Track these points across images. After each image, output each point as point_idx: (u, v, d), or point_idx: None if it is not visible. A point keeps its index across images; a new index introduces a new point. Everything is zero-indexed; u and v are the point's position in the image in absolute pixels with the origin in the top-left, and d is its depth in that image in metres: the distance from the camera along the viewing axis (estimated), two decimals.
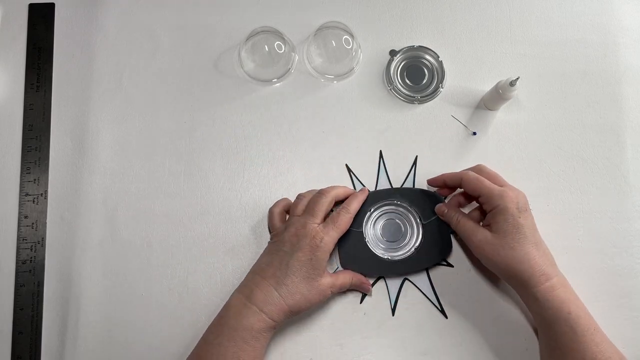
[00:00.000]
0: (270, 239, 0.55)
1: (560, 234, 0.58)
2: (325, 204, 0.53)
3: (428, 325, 0.56)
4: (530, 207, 0.58)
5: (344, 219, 0.53)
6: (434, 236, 0.56)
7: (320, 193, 0.54)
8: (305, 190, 0.57)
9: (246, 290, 0.50)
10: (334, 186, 0.56)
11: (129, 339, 0.56)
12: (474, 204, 0.57)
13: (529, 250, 0.48)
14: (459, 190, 0.57)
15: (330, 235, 0.51)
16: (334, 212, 0.53)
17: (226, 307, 0.51)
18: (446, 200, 0.57)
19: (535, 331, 0.55)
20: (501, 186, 0.51)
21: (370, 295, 0.56)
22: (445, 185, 0.56)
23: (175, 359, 0.55)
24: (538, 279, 0.48)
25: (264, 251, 0.54)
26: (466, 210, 0.57)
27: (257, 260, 0.54)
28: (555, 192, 0.59)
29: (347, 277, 0.54)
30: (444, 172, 0.56)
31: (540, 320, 0.50)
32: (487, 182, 0.51)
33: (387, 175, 0.59)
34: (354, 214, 0.54)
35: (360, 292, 0.56)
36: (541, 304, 0.48)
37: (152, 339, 0.56)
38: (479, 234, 0.51)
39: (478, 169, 0.54)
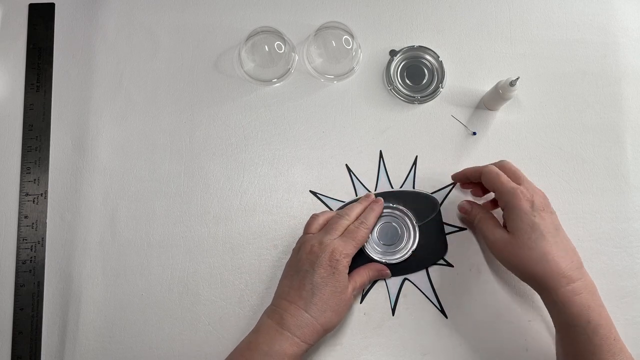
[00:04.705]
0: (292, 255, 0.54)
1: None
2: (344, 225, 0.52)
3: (428, 325, 0.56)
4: None
5: (362, 233, 0.52)
6: (429, 237, 0.56)
7: (343, 214, 0.53)
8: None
9: (276, 315, 0.49)
10: (353, 207, 0.55)
11: (129, 339, 0.56)
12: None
13: (548, 250, 0.46)
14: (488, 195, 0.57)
15: (349, 249, 0.50)
16: (351, 226, 0.53)
17: (256, 332, 0.49)
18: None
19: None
20: (519, 184, 0.50)
21: (390, 276, 0.56)
22: (467, 179, 0.56)
23: (175, 359, 0.55)
24: (558, 281, 0.46)
25: (283, 274, 0.53)
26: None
27: (279, 284, 0.52)
28: (555, 192, 0.59)
29: (364, 275, 0.54)
30: (466, 168, 0.55)
31: (559, 323, 0.48)
32: (503, 178, 0.50)
33: (387, 176, 0.59)
34: (372, 228, 0.54)
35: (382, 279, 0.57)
36: (560, 308, 0.46)
37: (152, 339, 0.56)
38: (496, 233, 0.50)
39: (500, 165, 0.53)
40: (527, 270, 0.47)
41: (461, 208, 0.55)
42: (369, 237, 0.56)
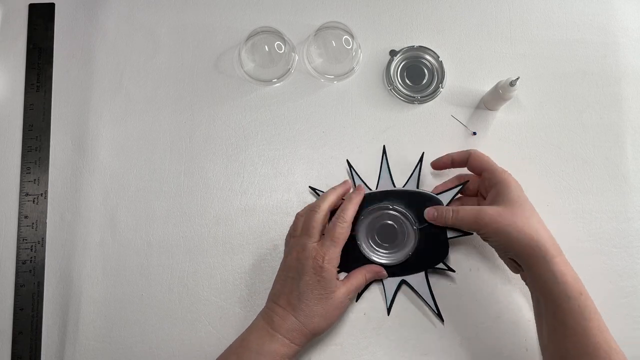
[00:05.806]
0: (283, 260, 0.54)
1: (560, 234, 0.57)
2: (319, 220, 0.51)
3: (428, 325, 0.56)
4: None
5: (341, 230, 0.51)
6: (429, 241, 0.55)
7: (312, 209, 0.52)
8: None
9: (267, 317, 0.50)
10: (324, 196, 0.54)
11: (129, 339, 0.56)
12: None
13: (539, 221, 0.48)
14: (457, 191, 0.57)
15: (331, 252, 0.50)
16: (329, 224, 0.52)
17: (249, 331, 0.50)
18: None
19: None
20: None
21: (387, 277, 0.56)
22: (453, 165, 0.56)
23: (175, 359, 0.55)
24: (555, 250, 0.46)
25: (276, 277, 0.53)
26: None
27: (272, 286, 0.53)
28: (555, 192, 0.59)
29: (360, 277, 0.53)
30: (448, 154, 0.56)
31: (549, 295, 0.46)
32: (491, 159, 0.53)
33: (390, 174, 0.59)
34: (351, 221, 0.52)
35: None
36: (556, 279, 0.45)
37: (152, 339, 0.56)
38: (489, 210, 0.49)
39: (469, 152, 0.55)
40: (526, 238, 0.46)
41: (427, 216, 0.54)
42: (367, 238, 0.55)
